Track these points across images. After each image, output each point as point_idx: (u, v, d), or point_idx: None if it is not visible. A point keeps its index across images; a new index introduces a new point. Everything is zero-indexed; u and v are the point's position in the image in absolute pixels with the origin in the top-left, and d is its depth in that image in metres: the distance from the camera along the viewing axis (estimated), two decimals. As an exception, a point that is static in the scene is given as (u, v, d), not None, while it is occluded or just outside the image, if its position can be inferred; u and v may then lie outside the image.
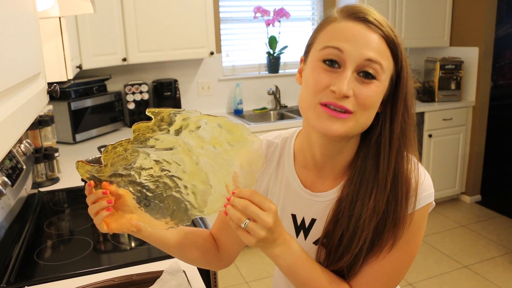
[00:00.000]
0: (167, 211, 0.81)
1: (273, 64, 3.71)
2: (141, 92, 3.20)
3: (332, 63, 0.78)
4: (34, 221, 1.64)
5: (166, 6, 2.96)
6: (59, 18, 1.47)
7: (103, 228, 0.82)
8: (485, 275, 2.91)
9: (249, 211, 0.73)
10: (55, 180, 2.08)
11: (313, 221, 0.93)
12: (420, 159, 0.87)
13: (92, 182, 0.81)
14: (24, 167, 1.63)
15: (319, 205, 0.91)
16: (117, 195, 0.82)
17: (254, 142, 0.76)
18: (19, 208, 1.55)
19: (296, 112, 3.57)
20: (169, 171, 0.79)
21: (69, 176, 2.13)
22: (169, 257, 1.28)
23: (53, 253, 1.45)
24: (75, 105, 2.76)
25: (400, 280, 0.89)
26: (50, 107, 2.16)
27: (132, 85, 3.19)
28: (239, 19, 3.65)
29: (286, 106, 3.76)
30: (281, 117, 3.62)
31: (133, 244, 1.44)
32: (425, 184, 0.85)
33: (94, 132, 2.92)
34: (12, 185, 1.44)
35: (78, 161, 0.81)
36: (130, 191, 0.82)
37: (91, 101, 2.90)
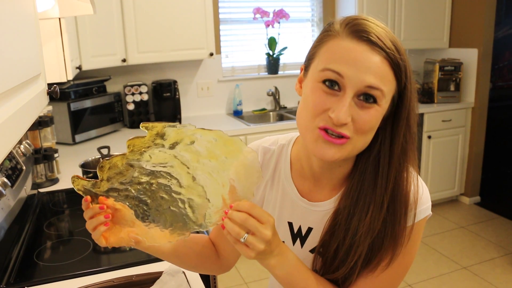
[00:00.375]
0: (165, 225, 0.80)
1: (273, 65, 3.71)
2: (140, 93, 3.20)
3: (332, 85, 0.76)
4: (34, 222, 1.64)
5: (165, 7, 2.96)
6: (59, 19, 1.48)
7: (101, 242, 0.82)
8: (484, 276, 2.91)
9: (248, 224, 0.72)
10: (55, 181, 2.08)
11: (309, 229, 0.92)
12: (419, 161, 0.87)
13: (88, 197, 0.81)
14: (24, 168, 1.63)
15: (316, 214, 0.91)
16: (114, 209, 0.81)
17: (250, 156, 0.76)
18: (19, 209, 1.55)
19: (295, 113, 3.54)
20: (166, 186, 0.78)
21: (68, 177, 2.12)
22: (168, 258, 1.28)
23: (52, 254, 1.45)
24: (74, 106, 2.76)
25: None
26: (50, 108, 2.17)
27: (132, 86, 3.19)
28: (238, 20, 3.65)
29: (285, 107, 3.76)
30: (281, 118, 3.62)
31: (132, 245, 1.44)
32: (423, 198, 0.85)
33: (93, 133, 2.92)
34: (12, 186, 1.44)
35: (73, 176, 0.81)
36: (127, 205, 0.82)
37: (90, 102, 2.90)
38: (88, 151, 2.53)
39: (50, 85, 0.95)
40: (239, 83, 3.59)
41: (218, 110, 3.63)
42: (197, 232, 0.81)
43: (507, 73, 3.73)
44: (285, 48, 3.70)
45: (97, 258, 1.39)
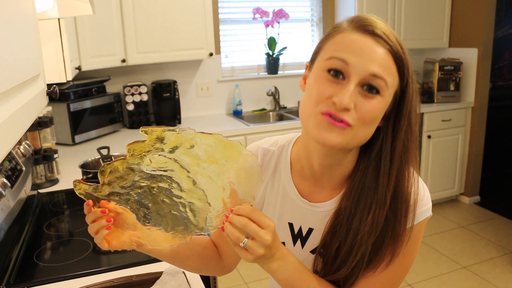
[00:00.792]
0: (167, 228, 0.81)
1: (272, 65, 3.71)
2: (140, 93, 3.20)
3: (337, 74, 0.77)
4: (34, 223, 1.64)
5: (165, 7, 2.96)
6: (58, 19, 1.47)
7: (104, 246, 0.82)
8: (484, 276, 2.91)
9: (248, 229, 0.72)
10: (55, 181, 2.08)
11: (310, 230, 0.92)
12: (419, 161, 0.87)
13: (90, 201, 0.81)
14: (24, 168, 1.63)
15: (317, 215, 0.91)
16: (116, 213, 0.82)
17: (250, 159, 0.76)
18: (19, 209, 1.54)
19: (295, 113, 3.57)
20: (166, 190, 0.79)
21: (68, 178, 2.13)
22: (168, 258, 1.28)
23: (52, 254, 1.45)
24: (74, 106, 2.76)
25: None
26: (49, 108, 2.16)
27: (131, 86, 3.19)
28: (238, 20, 3.65)
29: (285, 107, 3.76)
30: (280, 118, 3.62)
31: (132, 245, 1.44)
32: (424, 200, 0.85)
33: (93, 133, 2.92)
34: (12, 187, 1.44)
35: (75, 180, 0.81)
36: (129, 209, 0.82)
37: (90, 103, 2.90)
38: (88, 152, 2.53)
39: (49, 85, 0.95)
40: (239, 83, 3.59)
41: (218, 110, 3.63)
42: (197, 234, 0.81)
43: (507, 73, 3.73)
44: (285, 48, 3.70)
45: (97, 258, 1.39)
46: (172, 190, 0.78)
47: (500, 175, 3.87)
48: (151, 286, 1.15)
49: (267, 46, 3.66)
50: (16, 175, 1.52)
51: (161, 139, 0.76)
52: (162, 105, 3.24)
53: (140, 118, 3.23)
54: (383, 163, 0.82)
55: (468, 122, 3.87)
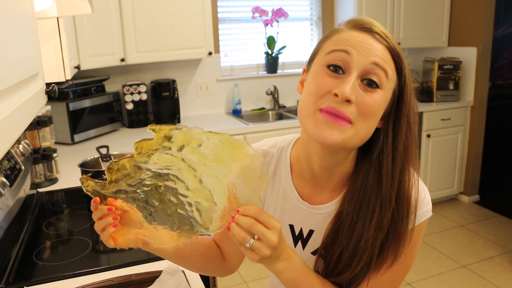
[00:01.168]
0: (173, 227, 0.81)
1: (272, 64, 3.71)
2: (139, 93, 3.20)
3: (337, 69, 0.77)
4: (33, 222, 1.64)
5: (164, 6, 2.96)
6: (57, 18, 1.47)
7: (110, 243, 0.82)
8: (483, 275, 2.91)
9: (255, 230, 0.72)
10: (54, 180, 2.08)
11: (311, 232, 0.92)
12: (419, 161, 0.87)
13: (97, 198, 0.81)
14: (23, 167, 1.63)
15: (317, 217, 0.91)
16: (123, 211, 0.82)
17: (257, 160, 0.75)
18: (18, 208, 1.54)
19: (294, 112, 3.57)
20: (173, 188, 0.78)
21: (67, 177, 2.13)
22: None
23: (52, 253, 1.45)
24: (73, 105, 2.76)
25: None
26: (48, 107, 2.16)
27: (131, 85, 3.19)
28: (237, 19, 3.65)
29: (284, 106, 3.76)
30: (280, 117, 3.62)
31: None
32: (425, 201, 0.85)
33: (92, 132, 2.92)
34: (11, 186, 1.44)
35: (82, 177, 0.81)
36: (135, 207, 0.82)
37: (89, 102, 2.90)
38: (87, 151, 2.53)
39: (48, 84, 0.95)
40: (238, 82, 3.59)
41: (217, 109, 3.63)
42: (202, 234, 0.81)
43: (506, 72, 3.73)
44: (284, 47, 3.70)
45: (96, 257, 1.39)
46: (178, 189, 0.78)
47: (500, 174, 3.88)
48: (150, 285, 1.15)
49: (266, 45, 3.66)
50: (15, 174, 1.52)
51: (168, 138, 0.76)
52: (161, 104, 3.24)
53: (139, 117, 3.23)
54: (385, 164, 0.82)
55: (467, 121, 3.87)
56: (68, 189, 1.98)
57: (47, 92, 0.91)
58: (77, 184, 1.97)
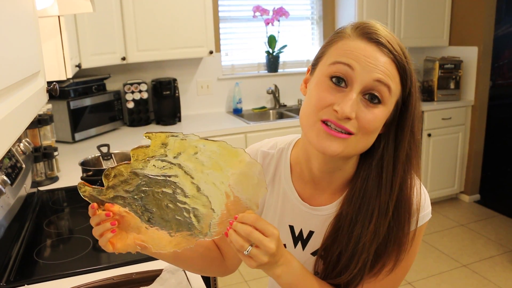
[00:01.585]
0: (171, 233, 0.81)
1: (272, 63, 3.71)
2: (140, 91, 3.20)
3: (339, 81, 0.77)
4: (34, 220, 1.64)
5: (165, 5, 2.96)
6: (58, 17, 1.47)
7: (108, 248, 0.82)
8: (483, 274, 2.91)
9: (253, 237, 0.72)
10: (55, 179, 2.08)
11: (311, 233, 0.92)
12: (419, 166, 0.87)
13: (95, 204, 0.81)
14: (24, 166, 1.63)
15: (317, 218, 0.91)
16: (121, 216, 0.82)
17: (255, 167, 0.75)
18: (19, 207, 1.55)
19: (295, 111, 3.57)
20: (170, 195, 0.79)
21: (68, 175, 2.13)
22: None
23: (52, 252, 1.45)
24: (74, 104, 2.76)
25: None
26: (49, 106, 2.16)
27: (131, 84, 3.19)
28: (238, 18, 3.65)
29: (285, 105, 3.76)
30: (280, 116, 3.62)
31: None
32: (425, 205, 0.86)
33: (93, 131, 2.92)
34: (12, 184, 1.44)
35: (80, 183, 0.81)
36: (133, 213, 0.82)
37: (90, 100, 2.90)
38: (88, 150, 2.53)
39: (49, 83, 0.95)
40: (239, 81, 3.59)
41: (218, 108, 3.63)
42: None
43: (507, 71, 3.72)
44: (285, 46, 3.69)
45: (97, 256, 1.39)
46: (176, 195, 0.78)
47: (500, 173, 3.87)
48: (151, 283, 1.15)
49: (267, 44, 3.66)
50: (16, 172, 1.52)
51: (164, 145, 0.76)
52: (162, 103, 3.24)
53: (140, 116, 3.23)
54: (385, 171, 0.82)
55: (468, 121, 3.87)
56: (68, 188, 1.98)
57: (48, 91, 0.91)
58: (78, 183, 1.97)
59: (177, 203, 0.79)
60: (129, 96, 3.18)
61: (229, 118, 3.37)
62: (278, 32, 3.64)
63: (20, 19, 0.64)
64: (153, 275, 1.17)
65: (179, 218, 0.79)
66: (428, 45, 3.95)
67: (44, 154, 2.00)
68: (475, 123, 3.84)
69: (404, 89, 0.79)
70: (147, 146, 0.77)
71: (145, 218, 0.81)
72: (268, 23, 3.58)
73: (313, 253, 0.92)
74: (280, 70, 3.78)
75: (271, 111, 3.68)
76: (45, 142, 2.07)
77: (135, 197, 0.80)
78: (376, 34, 0.77)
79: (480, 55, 3.72)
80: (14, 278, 1.24)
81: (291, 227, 0.95)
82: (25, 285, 1.18)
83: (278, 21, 3.59)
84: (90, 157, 1.89)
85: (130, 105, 3.19)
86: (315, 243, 0.91)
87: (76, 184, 2.04)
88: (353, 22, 0.83)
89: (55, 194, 1.94)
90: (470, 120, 3.87)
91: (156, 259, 1.29)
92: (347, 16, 3.65)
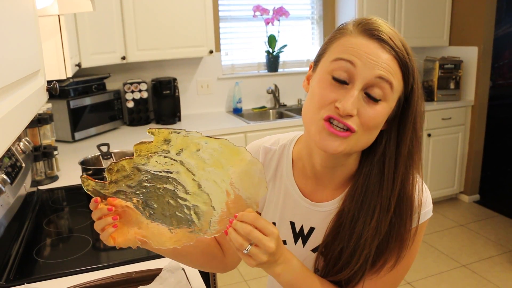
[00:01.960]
0: (171, 229, 0.81)
1: (272, 63, 3.71)
2: (140, 91, 3.20)
3: (341, 79, 0.77)
4: (33, 219, 1.64)
5: (165, 5, 2.96)
6: (58, 16, 1.47)
7: (110, 242, 0.82)
8: (483, 274, 2.91)
9: (252, 236, 0.72)
10: (54, 178, 2.08)
11: (311, 229, 0.92)
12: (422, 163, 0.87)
13: (98, 198, 0.81)
14: (23, 165, 1.63)
15: (319, 214, 0.91)
16: (122, 211, 0.82)
17: (256, 166, 0.76)
18: (18, 206, 1.55)
19: (295, 111, 3.57)
20: (172, 191, 0.79)
21: (68, 175, 2.13)
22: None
23: (52, 251, 1.45)
24: (74, 103, 2.76)
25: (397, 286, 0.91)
26: (49, 105, 2.16)
27: (131, 83, 3.19)
28: (238, 17, 3.64)
29: (285, 105, 3.76)
30: (280, 116, 3.62)
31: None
32: (427, 202, 0.86)
33: (93, 130, 2.92)
34: (11, 183, 1.44)
35: (83, 176, 0.81)
36: (134, 208, 0.82)
37: (90, 100, 2.90)
38: (88, 149, 2.53)
39: (49, 82, 0.95)
40: (239, 81, 3.59)
41: (218, 108, 3.63)
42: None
43: (507, 71, 3.72)
44: (285, 46, 3.69)
45: (97, 255, 1.39)
46: (177, 192, 0.79)
47: (500, 173, 3.88)
48: (150, 282, 1.15)
49: (267, 43, 3.66)
50: (15, 171, 1.52)
51: (167, 141, 0.76)
52: (162, 102, 3.24)
53: (140, 115, 3.23)
54: (387, 167, 0.82)
55: (468, 121, 3.87)
56: (68, 187, 1.98)
57: (48, 90, 0.91)
58: (78, 182, 1.97)
59: (178, 200, 0.79)
60: (129, 96, 3.18)
61: (229, 118, 3.37)
62: (278, 32, 3.64)
63: (20, 18, 0.64)
64: (152, 274, 1.17)
65: (180, 214, 0.80)
66: (428, 45, 3.95)
67: (44, 153, 2.00)
68: (475, 123, 3.85)
69: (406, 86, 0.79)
70: (150, 142, 0.77)
71: (147, 213, 0.82)
72: (268, 23, 3.58)
73: (313, 250, 0.92)
74: (280, 70, 3.78)
75: (271, 110, 3.68)
76: (45, 141, 2.07)
77: (137, 192, 0.81)
78: (378, 31, 0.77)
79: (480, 55, 3.72)
80: (13, 277, 1.24)
81: (292, 224, 0.95)
82: (25, 284, 1.18)
83: (278, 20, 3.59)
84: (90, 156, 1.89)
85: (130, 104, 3.19)
86: (316, 239, 0.91)
87: (76, 183, 2.04)
88: (355, 19, 0.83)
89: (55, 193, 1.94)
90: (470, 120, 3.87)
91: (155, 259, 1.29)
92: (347, 16, 3.65)
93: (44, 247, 1.45)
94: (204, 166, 0.76)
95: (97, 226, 0.82)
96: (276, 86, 3.71)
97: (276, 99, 3.72)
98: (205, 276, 1.34)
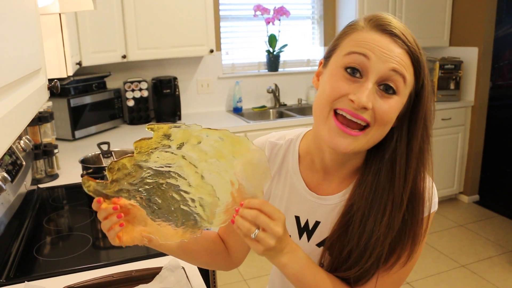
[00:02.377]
0: (177, 223, 0.81)
1: (273, 62, 3.71)
2: (140, 90, 3.20)
3: (354, 72, 0.77)
4: (34, 217, 1.64)
5: (166, 4, 2.96)
6: (59, 14, 1.47)
7: (116, 242, 0.82)
8: (482, 275, 2.92)
9: (259, 221, 0.72)
10: (55, 176, 2.08)
11: (317, 223, 0.92)
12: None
13: (100, 198, 0.81)
14: (24, 163, 1.63)
15: (324, 208, 0.91)
16: (127, 209, 0.82)
17: (258, 154, 0.76)
18: (19, 204, 1.55)
19: (295, 110, 3.57)
20: (175, 185, 0.79)
21: (68, 173, 2.14)
22: (168, 253, 1.28)
23: (52, 249, 1.45)
24: (74, 102, 2.76)
25: (403, 283, 0.91)
26: (50, 103, 2.17)
27: (132, 82, 3.19)
28: (239, 17, 3.65)
29: (285, 105, 3.76)
30: (280, 115, 3.62)
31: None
32: (434, 195, 0.86)
33: (93, 129, 2.92)
34: (12, 181, 1.44)
35: (84, 177, 0.81)
36: (139, 205, 0.82)
37: (90, 98, 2.90)
38: (88, 147, 2.53)
39: (50, 80, 0.95)
40: (239, 80, 3.59)
41: (218, 107, 3.63)
42: (207, 229, 0.82)
43: (507, 72, 3.73)
44: (286, 45, 3.69)
45: (97, 253, 1.39)
46: (180, 185, 0.79)
47: (500, 174, 3.88)
48: (150, 281, 1.15)
49: (267, 43, 3.66)
50: (16, 169, 1.53)
51: (167, 136, 0.76)
52: (162, 101, 3.24)
53: (140, 114, 3.23)
54: (398, 165, 0.81)
55: (468, 121, 3.87)
56: (68, 185, 1.99)
57: (49, 88, 0.91)
58: (78, 180, 1.97)
59: (182, 193, 0.79)
60: (129, 94, 3.18)
61: (229, 117, 3.37)
62: (279, 31, 3.64)
63: (22, 16, 0.65)
64: (152, 273, 1.17)
65: (185, 208, 0.80)
66: (429, 46, 3.95)
67: (44, 152, 2.00)
68: (475, 123, 3.85)
69: (418, 81, 0.80)
70: (150, 138, 0.77)
71: (151, 209, 0.82)
72: (268, 22, 3.58)
73: (318, 244, 0.92)
74: (280, 69, 3.78)
75: (271, 110, 3.68)
76: (45, 140, 2.07)
77: (140, 189, 0.81)
78: (390, 26, 0.78)
79: (480, 56, 3.72)
80: (14, 274, 1.24)
81: (297, 218, 0.95)
82: (25, 281, 1.19)
83: (279, 20, 3.59)
84: (90, 154, 1.90)
85: (130, 103, 3.19)
86: (321, 233, 0.91)
87: (76, 181, 2.04)
88: (365, 15, 0.83)
89: (55, 191, 1.94)
90: (470, 120, 3.87)
91: (155, 257, 1.30)
92: (348, 16, 3.65)
93: (44, 245, 1.46)
94: (206, 158, 0.76)
95: (104, 227, 0.82)
96: (276, 85, 3.71)
97: (276, 98, 3.72)
98: (205, 275, 1.35)
